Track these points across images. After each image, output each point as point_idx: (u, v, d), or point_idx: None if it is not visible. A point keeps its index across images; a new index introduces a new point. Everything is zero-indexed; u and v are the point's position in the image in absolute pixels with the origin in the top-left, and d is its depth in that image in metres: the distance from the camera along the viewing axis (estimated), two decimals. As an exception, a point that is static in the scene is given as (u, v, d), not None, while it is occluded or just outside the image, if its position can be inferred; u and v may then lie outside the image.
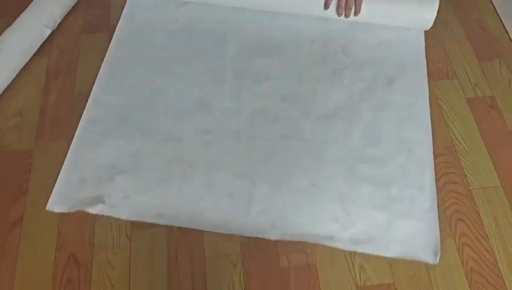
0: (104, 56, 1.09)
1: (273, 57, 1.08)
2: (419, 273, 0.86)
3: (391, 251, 0.86)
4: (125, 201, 0.88)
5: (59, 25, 1.15)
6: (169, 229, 0.89)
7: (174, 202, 0.88)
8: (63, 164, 0.95)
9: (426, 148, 0.96)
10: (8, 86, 1.05)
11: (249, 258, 0.87)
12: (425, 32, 1.16)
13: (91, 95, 1.03)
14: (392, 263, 0.87)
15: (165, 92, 1.03)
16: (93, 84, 1.05)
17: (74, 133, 0.98)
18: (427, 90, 1.05)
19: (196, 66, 1.06)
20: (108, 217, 0.89)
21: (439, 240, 0.87)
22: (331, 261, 0.87)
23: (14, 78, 1.06)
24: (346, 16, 1.09)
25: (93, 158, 0.94)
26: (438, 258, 0.86)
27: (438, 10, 1.09)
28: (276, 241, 0.88)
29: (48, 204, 0.90)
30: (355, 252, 0.87)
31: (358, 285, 0.84)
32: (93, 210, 0.88)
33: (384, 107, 1.01)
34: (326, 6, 1.08)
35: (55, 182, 0.92)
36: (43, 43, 1.12)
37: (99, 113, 1.00)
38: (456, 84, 1.10)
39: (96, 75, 1.06)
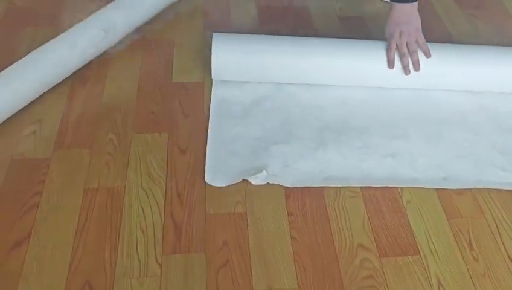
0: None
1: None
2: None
3: None
4: (285, 169, 0.88)
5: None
6: (207, 254, 0.73)
7: (338, 166, 0.89)
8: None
9: None
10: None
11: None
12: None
13: (212, 75, 1.01)
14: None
15: (286, 74, 1.04)
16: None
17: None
18: None
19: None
20: (136, 238, 0.75)
21: None
22: None
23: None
24: (414, 70, 0.98)
25: (240, 132, 0.94)
26: None
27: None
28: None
29: (206, 179, 0.85)
30: None
31: None
32: (256, 180, 0.85)
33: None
34: (390, 64, 0.98)
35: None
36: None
37: (230, 93, 1.01)
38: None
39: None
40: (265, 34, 1.08)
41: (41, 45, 1.02)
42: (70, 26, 1.09)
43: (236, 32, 1.08)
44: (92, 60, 1.03)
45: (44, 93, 0.96)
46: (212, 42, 0.99)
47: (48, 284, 0.70)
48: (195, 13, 1.21)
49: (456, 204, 0.84)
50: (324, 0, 1.29)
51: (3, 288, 0.69)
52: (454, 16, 1.26)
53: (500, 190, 0.86)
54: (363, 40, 1.04)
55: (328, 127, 0.96)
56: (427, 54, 0.99)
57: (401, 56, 0.98)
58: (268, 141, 0.92)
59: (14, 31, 1.11)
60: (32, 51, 1.03)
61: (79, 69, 1.01)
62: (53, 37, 1.06)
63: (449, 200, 0.84)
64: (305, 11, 1.25)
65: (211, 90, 1.01)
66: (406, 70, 0.98)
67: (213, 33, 1.01)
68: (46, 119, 0.92)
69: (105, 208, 0.79)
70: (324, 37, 1.08)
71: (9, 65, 0.98)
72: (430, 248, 0.77)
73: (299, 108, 1.00)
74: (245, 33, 1.07)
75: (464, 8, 1.29)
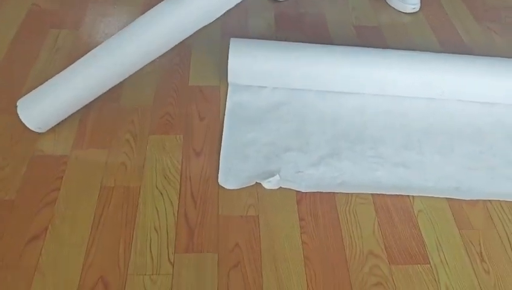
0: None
1: None
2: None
3: None
4: (298, 175, 0.89)
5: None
6: (219, 255, 0.75)
7: (351, 174, 0.90)
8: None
9: None
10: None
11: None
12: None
13: (229, 79, 1.03)
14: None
15: (302, 81, 1.04)
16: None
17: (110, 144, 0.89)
18: None
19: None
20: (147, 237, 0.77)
21: None
22: None
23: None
24: None
25: (255, 137, 0.95)
26: None
27: None
28: None
29: (219, 181, 0.87)
30: None
31: None
32: (268, 184, 0.87)
33: None
34: None
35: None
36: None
37: (245, 98, 1.03)
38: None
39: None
40: (281, 40, 1.10)
41: (63, 46, 1.07)
42: (92, 28, 1.14)
43: (253, 38, 1.10)
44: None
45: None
46: (230, 46, 1.00)
47: (62, 278, 0.71)
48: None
49: (468, 215, 0.84)
50: (340, 8, 1.30)
51: (19, 281, 0.71)
52: (471, 29, 1.27)
53: (513, 203, 0.87)
54: (380, 49, 1.05)
55: (343, 137, 0.96)
56: None
57: None
58: (282, 146, 0.94)
59: (37, 31, 1.14)
60: (53, 51, 1.08)
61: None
62: (75, 39, 1.11)
63: (460, 211, 0.84)
64: (321, 19, 1.26)
65: (227, 94, 1.03)
66: None
67: (231, 38, 1.03)
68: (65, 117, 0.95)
69: (120, 207, 0.81)
70: (339, 44, 1.09)
71: (32, 65, 1.04)
72: (440, 258, 0.78)
73: (314, 115, 1.01)
74: (262, 39, 1.09)
75: (481, 21, 1.29)
